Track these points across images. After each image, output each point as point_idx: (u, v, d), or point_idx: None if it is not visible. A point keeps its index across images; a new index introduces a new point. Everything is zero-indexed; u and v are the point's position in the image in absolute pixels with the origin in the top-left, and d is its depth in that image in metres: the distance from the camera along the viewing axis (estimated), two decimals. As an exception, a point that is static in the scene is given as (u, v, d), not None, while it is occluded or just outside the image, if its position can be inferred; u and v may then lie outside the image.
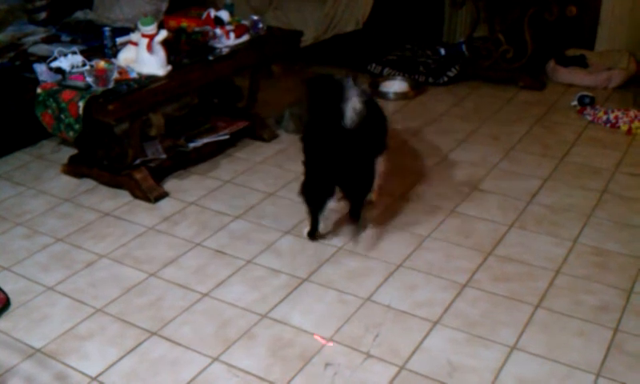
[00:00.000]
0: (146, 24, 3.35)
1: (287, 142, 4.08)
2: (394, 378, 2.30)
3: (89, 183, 3.64)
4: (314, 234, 3.05)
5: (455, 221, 3.24)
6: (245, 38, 3.94)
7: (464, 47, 5.06)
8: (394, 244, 3.05)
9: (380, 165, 3.00)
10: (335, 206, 2.96)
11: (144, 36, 3.37)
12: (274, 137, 4.15)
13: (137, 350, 2.46)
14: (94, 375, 2.34)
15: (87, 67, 3.36)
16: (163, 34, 3.39)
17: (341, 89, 2.79)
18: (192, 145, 3.83)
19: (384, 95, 4.76)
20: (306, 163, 2.92)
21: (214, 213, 3.35)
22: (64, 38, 4.70)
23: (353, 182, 2.92)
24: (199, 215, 3.33)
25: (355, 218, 3.04)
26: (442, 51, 5.16)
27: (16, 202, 3.50)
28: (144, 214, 3.36)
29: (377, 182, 3.04)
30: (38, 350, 2.46)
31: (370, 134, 2.88)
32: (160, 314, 2.65)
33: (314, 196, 2.94)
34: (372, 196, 3.18)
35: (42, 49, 4.41)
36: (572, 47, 5.12)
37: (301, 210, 3.06)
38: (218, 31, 3.83)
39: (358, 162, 2.86)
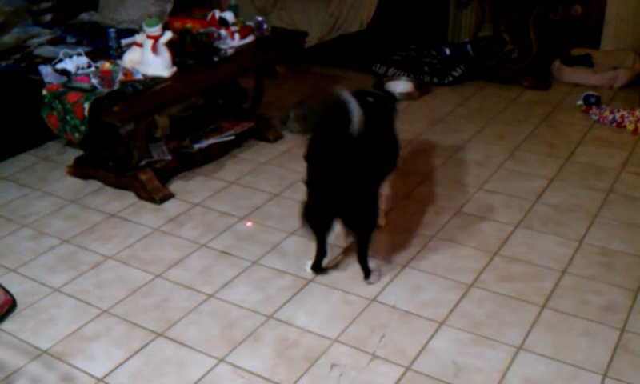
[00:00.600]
0: (150, 25, 3.36)
1: (292, 143, 4.09)
2: (399, 379, 2.30)
3: (94, 184, 3.65)
4: (319, 267, 2.84)
5: (460, 221, 3.23)
6: (249, 38, 3.94)
7: (469, 47, 5.05)
8: (400, 244, 3.04)
9: (386, 188, 2.81)
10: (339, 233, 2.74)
11: (149, 37, 3.37)
12: (278, 137, 4.16)
13: (143, 351, 2.46)
14: (100, 376, 2.35)
15: (92, 69, 3.37)
16: (168, 35, 3.40)
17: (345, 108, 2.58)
18: (197, 146, 3.84)
19: (389, 95, 4.76)
20: (307, 187, 2.69)
21: (220, 214, 3.35)
22: (69, 39, 4.72)
23: (352, 215, 2.67)
24: (204, 216, 3.34)
25: (362, 263, 2.78)
26: (447, 51, 5.15)
27: (22, 203, 3.51)
28: (149, 215, 3.36)
29: (383, 206, 2.91)
30: (45, 352, 2.47)
31: (374, 162, 2.67)
32: (166, 315, 2.65)
33: (315, 221, 2.73)
34: (380, 220, 3.05)
35: (47, 50, 4.42)
36: (577, 47, 5.11)
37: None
38: (223, 32, 3.84)
39: (357, 196, 2.63)
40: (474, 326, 2.54)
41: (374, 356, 2.41)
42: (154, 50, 3.38)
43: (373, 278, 2.79)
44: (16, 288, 2.80)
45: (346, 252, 2.96)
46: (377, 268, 2.84)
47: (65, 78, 3.37)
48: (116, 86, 3.27)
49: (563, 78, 4.93)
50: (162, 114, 3.45)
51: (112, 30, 3.68)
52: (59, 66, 3.42)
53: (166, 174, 3.64)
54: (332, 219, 2.69)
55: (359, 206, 2.66)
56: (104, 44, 3.78)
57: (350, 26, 5.06)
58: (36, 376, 2.36)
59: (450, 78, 4.94)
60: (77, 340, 2.53)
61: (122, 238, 3.17)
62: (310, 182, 2.69)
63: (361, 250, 2.77)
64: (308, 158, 2.70)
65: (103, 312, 2.68)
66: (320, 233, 2.75)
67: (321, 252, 2.81)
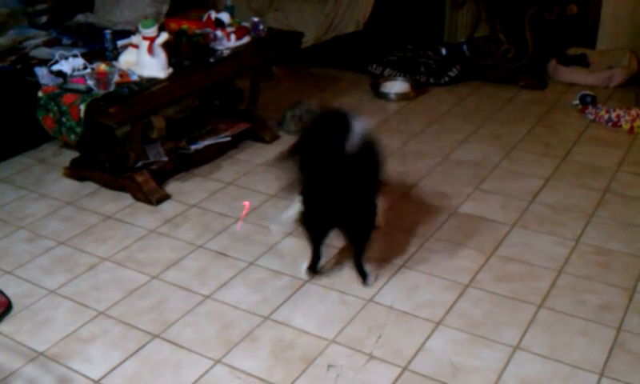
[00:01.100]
0: (146, 26, 3.35)
1: (288, 144, 4.07)
2: (396, 379, 2.30)
3: (90, 186, 3.64)
4: (314, 268, 2.83)
5: (457, 221, 3.23)
6: (245, 39, 3.94)
7: (465, 47, 5.05)
8: (396, 245, 3.04)
9: (381, 202, 2.81)
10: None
11: (145, 38, 3.37)
12: (275, 138, 4.15)
13: (139, 352, 2.46)
14: (96, 378, 2.34)
15: (88, 70, 3.37)
16: (164, 36, 3.40)
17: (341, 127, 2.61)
18: (193, 147, 3.84)
19: (385, 96, 4.77)
20: (304, 200, 2.69)
21: (216, 215, 3.35)
22: (65, 41, 4.71)
23: (351, 225, 2.70)
24: (201, 217, 3.33)
25: (359, 268, 2.77)
26: (443, 51, 5.15)
27: (18, 205, 3.50)
28: (146, 216, 3.36)
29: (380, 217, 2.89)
30: (41, 354, 2.47)
31: (370, 173, 2.68)
32: (162, 316, 2.65)
33: (313, 229, 2.74)
34: (380, 221, 3.02)
35: (43, 52, 4.42)
36: (573, 46, 5.11)
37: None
38: (219, 33, 3.83)
39: (357, 206, 2.65)
40: (471, 325, 2.54)
41: (371, 356, 2.40)
42: (150, 51, 3.38)
43: (369, 280, 2.79)
44: (12, 290, 2.80)
45: (342, 253, 2.96)
46: (373, 269, 2.84)
47: (61, 80, 3.37)
48: (112, 88, 3.26)
49: (559, 77, 4.93)
50: (158, 116, 3.44)
51: (108, 31, 3.68)
52: (55, 67, 3.42)
53: (163, 176, 3.63)
54: (330, 228, 2.70)
55: (359, 216, 2.67)
56: (100, 45, 3.77)
57: (345, 27, 5.06)
58: (32, 378, 2.35)
59: (447, 78, 4.94)
60: (73, 342, 2.52)
61: (118, 240, 3.17)
62: (307, 196, 2.68)
63: (357, 256, 2.77)
64: (303, 171, 2.66)
65: (99, 314, 2.67)
66: (317, 240, 2.76)
67: (316, 256, 2.81)
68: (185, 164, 3.76)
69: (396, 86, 4.85)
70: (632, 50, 4.95)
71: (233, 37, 3.86)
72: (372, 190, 2.70)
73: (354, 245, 2.75)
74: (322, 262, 2.85)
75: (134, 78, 3.39)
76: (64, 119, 3.26)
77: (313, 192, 2.66)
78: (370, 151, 2.69)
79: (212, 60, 3.70)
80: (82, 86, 3.27)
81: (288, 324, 2.58)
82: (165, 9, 5.08)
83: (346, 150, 2.57)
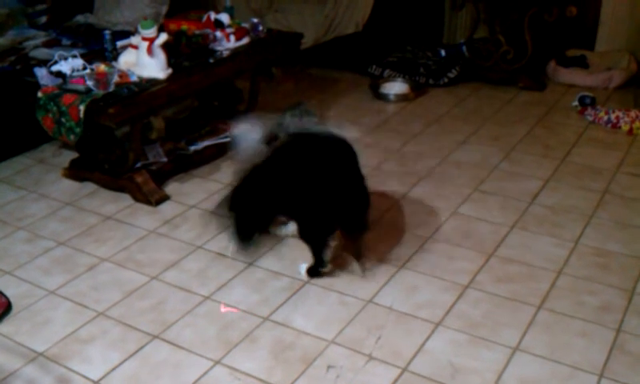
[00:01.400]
0: (146, 27, 3.35)
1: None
2: (396, 380, 2.30)
3: (90, 187, 3.64)
4: (316, 271, 2.82)
5: (456, 222, 3.24)
6: (245, 40, 3.94)
7: (464, 48, 5.06)
8: (395, 245, 3.04)
9: None
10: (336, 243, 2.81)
11: (144, 39, 3.37)
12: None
13: (139, 353, 2.46)
14: (96, 379, 2.34)
15: (88, 71, 3.36)
16: (163, 37, 3.40)
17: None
18: (193, 148, 3.84)
19: (384, 97, 4.77)
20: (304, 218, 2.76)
21: (215, 215, 3.34)
22: (64, 41, 4.71)
23: (355, 221, 2.77)
24: (200, 218, 3.33)
25: (359, 257, 2.87)
26: (443, 52, 5.16)
27: (17, 206, 3.50)
28: (145, 217, 3.36)
29: None
30: (41, 354, 2.46)
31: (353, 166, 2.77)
32: (162, 317, 2.65)
33: (321, 238, 2.78)
34: None
35: (42, 53, 4.42)
36: (572, 48, 5.12)
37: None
38: (219, 34, 3.84)
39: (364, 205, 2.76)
40: (470, 326, 2.54)
41: (371, 357, 2.41)
42: (150, 51, 3.38)
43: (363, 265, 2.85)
44: (12, 291, 2.80)
45: (341, 254, 2.96)
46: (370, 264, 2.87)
47: (60, 80, 3.37)
48: (111, 88, 3.26)
49: (558, 78, 4.94)
50: (157, 116, 3.44)
51: (107, 31, 3.68)
52: (54, 68, 3.42)
53: (162, 176, 3.63)
54: (335, 229, 2.76)
55: (363, 212, 2.74)
56: (99, 46, 3.77)
57: (345, 28, 5.07)
58: (32, 379, 2.35)
59: (446, 80, 4.95)
60: (73, 342, 2.52)
61: (117, 241, 3.16)
62: (307, 211, 2.70)
63: (358, 249, 2.83)
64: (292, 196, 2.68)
65: (99, 314, 2.67)
66: (322, 247, 2.77)
67: (320, 262, 2.80)
68: (184, 165, 3.76)
69: (395, 87, 4.86)
70: (631, 51, 4.95)
71: (232, 38, 3.87)
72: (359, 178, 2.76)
73: (355, 239, 2.82)
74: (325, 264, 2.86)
75: (134, 78, 3.39)
76: (63, 119, 3.26)
77: (314, 207, 2.69)
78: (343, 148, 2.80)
79: (211, 61, 3.70)
80: (81, 87, 3.27)
81: (288, 325, 2.58)
82: (164, 9, 5.08)
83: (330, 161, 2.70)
